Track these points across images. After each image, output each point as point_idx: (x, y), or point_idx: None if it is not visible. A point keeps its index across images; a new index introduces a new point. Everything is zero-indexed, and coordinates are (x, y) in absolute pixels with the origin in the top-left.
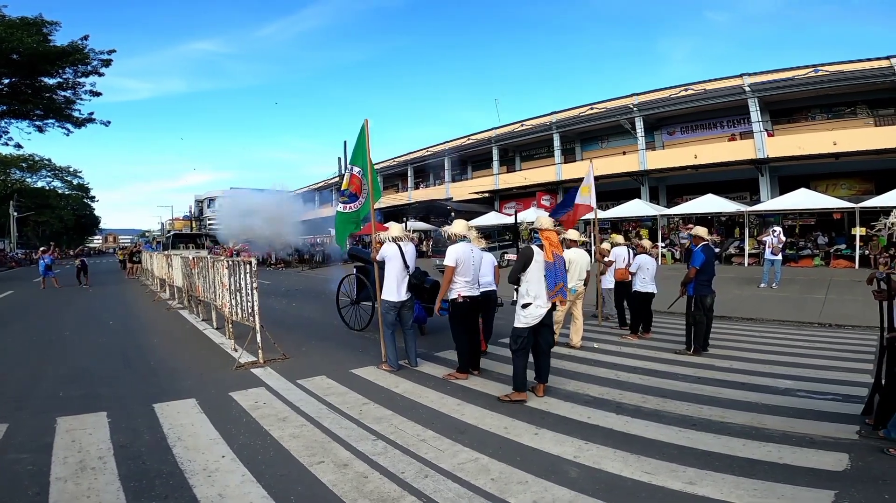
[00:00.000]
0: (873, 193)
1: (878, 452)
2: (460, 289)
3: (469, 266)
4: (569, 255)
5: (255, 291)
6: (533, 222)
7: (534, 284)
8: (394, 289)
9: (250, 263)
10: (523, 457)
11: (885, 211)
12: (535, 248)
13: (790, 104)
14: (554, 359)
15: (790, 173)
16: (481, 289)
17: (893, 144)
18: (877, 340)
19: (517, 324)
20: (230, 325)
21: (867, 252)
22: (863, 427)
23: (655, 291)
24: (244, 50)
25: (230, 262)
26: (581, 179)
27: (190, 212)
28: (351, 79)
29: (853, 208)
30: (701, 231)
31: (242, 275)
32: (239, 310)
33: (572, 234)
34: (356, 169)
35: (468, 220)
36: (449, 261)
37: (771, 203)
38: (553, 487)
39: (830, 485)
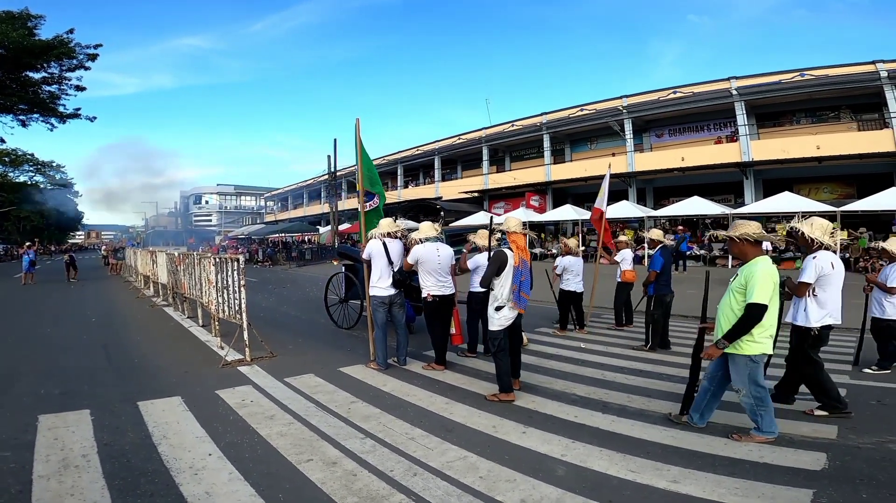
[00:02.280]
0: (854, 197)
1: (856, 449)
2: (430, 288)
3: (434, 265)
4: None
5: (242, 289)
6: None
7: (507, 287)
8: (380, 283)
9: (238, 260)
10: (511, 455)
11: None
12: (507, 251)
13: (776, 108)
14: (541, 359)
15: (774, 177)
16: (473, 290)
17: (875, 149)
18: (856, 340)
19: (492, 328)
20: (216, 323)
21: (847, 255)
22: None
23: (582, 290)
24: (234, 46)
25: (217, 260)
26: (570, 181)
27: (175, 208)
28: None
29: (834, 212)
30: (657, 234)
31: (230, 272)
32: (226, 308)
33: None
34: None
35: (457, 219)
36: (410, 258)
37: (754, 206)
38: (540, 485)
39: (809, 484)
